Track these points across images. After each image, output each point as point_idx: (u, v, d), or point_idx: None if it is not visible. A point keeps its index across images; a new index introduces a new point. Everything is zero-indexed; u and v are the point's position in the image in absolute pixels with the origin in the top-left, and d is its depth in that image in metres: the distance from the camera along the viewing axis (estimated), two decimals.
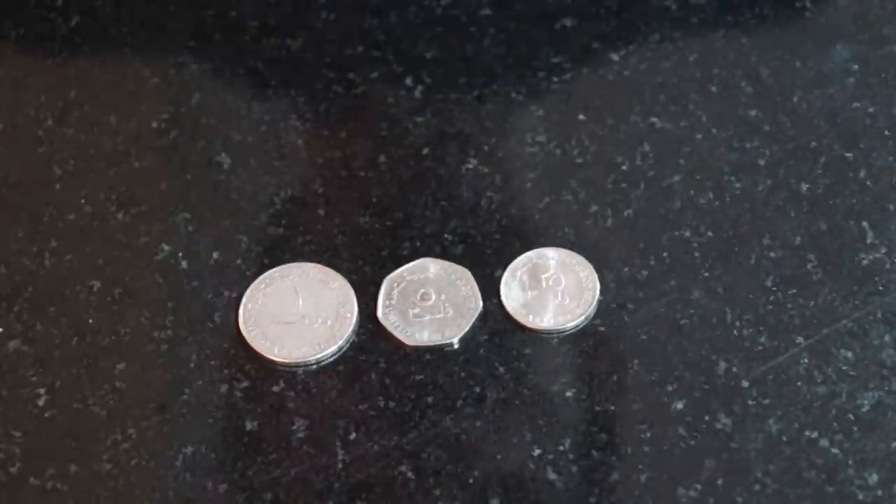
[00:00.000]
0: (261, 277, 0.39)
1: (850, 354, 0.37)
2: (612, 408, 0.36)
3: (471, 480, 0.35)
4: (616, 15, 0.44)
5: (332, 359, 0.37)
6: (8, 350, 0.38)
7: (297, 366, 0.37)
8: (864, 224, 0.39)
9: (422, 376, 0.37)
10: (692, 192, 0.40)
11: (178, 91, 0.43)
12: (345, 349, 0.38)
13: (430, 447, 0.36)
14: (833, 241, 0.39)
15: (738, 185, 0.40)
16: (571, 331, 0.38)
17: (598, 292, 0.38)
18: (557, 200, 0.40)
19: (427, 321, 0.38)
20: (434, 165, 0.41)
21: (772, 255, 0.39)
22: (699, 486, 0.35)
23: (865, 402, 0.36)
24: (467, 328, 0.38)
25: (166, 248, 0.39)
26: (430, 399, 0.37)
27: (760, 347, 0.37)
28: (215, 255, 0.39)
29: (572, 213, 0.40)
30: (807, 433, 0.36)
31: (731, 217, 0.39)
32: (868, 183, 0.40)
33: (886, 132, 0.41)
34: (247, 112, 0.42)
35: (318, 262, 0.39)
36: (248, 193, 0.40)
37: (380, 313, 0.38)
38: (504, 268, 0.39)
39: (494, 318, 0.38)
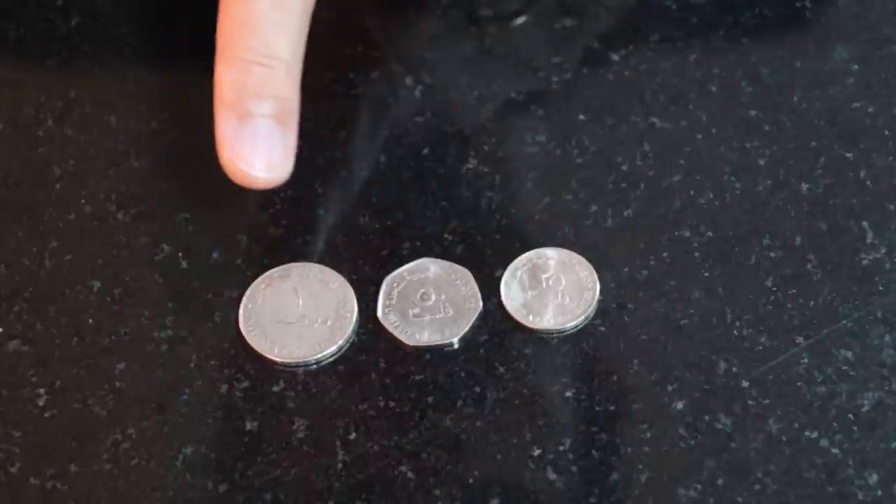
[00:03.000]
0: (261, 277, 0.39)
1: (850, 354, 0.37)
2: (612, 408, 0.36)
3: (471, 480, 0.35)
4: (616, 15, 0.44)
5: (332, 359, 0.37)
6: (8, 350, 0.38)
7: (297, 366, 0.37)
8: (864, 224, 0.39)
9: (422, 376, 0.37)
10: (692, 192, 0.40)
11: (178, 91, 0.43)
12: (345, 349, 0.38)
13: (430, 447, 0.36)
14: (833, 241, 0.39)
15: (738, 185, 0.40)
16: (571, 331, 0.38)
17: (598, 292, 0.38)
18: (557, 200, 0.40)
19: (427, 321, 0.38)
20: (434, 165, 0.41)
21: (772, 255, 0.39)
22: (699, 486, 0.35)
23: (865, 402, 0.36)
24: (467, 328, 0.38)
25: (166, 248, 0.39)
26: (430, 399, 0.37)
27: (760, 347, 0.37)
28: (215, 255, 0.39)
29: (572, 213, 0.40)
30: (807, 433, 0.36)
31: (731, 217, 0.39)
32: (868, 183, 0.40)
33: (886, 132, 0.41)
34: None
35: (318, 262, 0.39)
36: (248, 193, 0.40)
37: (380, 313, 0.38)
38: (504, 268, 0.39)
39: (494, 318, 0.38)
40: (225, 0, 0.38)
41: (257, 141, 0.37)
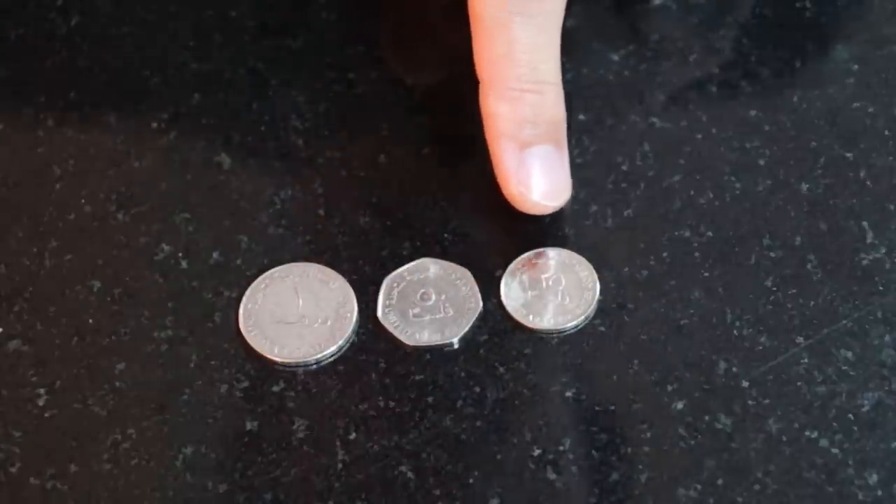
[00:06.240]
0: (261, 277, 0.39)
1: (850, 354, 0.37)
2: (612, 408, 0.36)
3: (471, 480, 0.35)
4: (616, 15, 0.44)
5: (332, 359, 0.37)
6: (8, 350, 0.38)
7: (297, 366, 0.37)
8: (864, 224, 0.39)
9: (422, 376, 0.37)
10: (692, 192, 0.40)
11: (178, 91, 0.43)
12: (345, 349, 0.38)
13: (430, 447, 0.36)
14: (833, 241, 0.39)
15: (738, 185, 0.40)
16: (571, 331, 0.38)
17: (598, 292, 0.38)
18: None
19: (427, 321, 0.38)
20: (434, 165, 0.41)
21: (772, 255, 0.39)
22: (699, 486, 0.35)
23: (865, 402, 0.36)
24: (467, 328, 0.38)
25: (166, 248, 0.39)
26: (430, 399, 0.37)
27: (760, 347, 0.37)
28: (215, 255, 0.39)
29: (572, 213, 0.40)
30: (807, 433, 0.36)
31: (731, 217, 0.39)
32: (868, 183, 0.40)
33: (886, 132, 0.41)
34: (247, 112, 0.42)
35: (318, 262, 0.39)
36: (248, 193, 0.40)
37: (380, 313, 0.38)
38: (504, 268, 0.39)
39: (494, 318, 0.38)
40: (482, 33, 0.38)
41: (540, 168, 0.38)
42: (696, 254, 0.39)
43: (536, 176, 0.38)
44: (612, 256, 0.39)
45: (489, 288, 0.38)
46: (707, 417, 0.36)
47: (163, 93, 0.43)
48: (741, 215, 0.39)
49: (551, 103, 0.38)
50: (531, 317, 0.38)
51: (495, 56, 0.38)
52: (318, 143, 0.41)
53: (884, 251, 0.39)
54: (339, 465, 0.36)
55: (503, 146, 0.38)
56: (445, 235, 0.39)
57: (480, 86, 0.38)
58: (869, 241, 0.39)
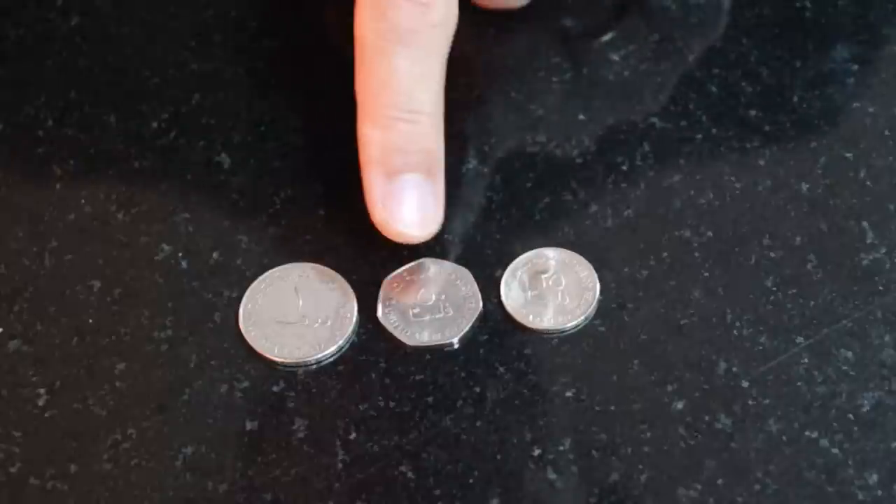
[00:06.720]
0: (261, 277, 0.39)
1: (850, 354, 0.37)
2: (612, 408, 0.36)
3: (471, 480, 0.35)
4: (616, 15, 0.44)
5: (332, 359, 0.37)
6: (8, 350, 0.38)
7: (297, 366, 0.37)
8: (864, 224, 0.39)
9: (422, 376, 0.37)
10: (692, 192, 0.40)
11: (178, 91, 0.43)
12: (345, 349, 0.38)
13: (430, 447, 0.36)
14: (833, 241, 0.39)
15: (738, 185, 0.40)
16: (571, 331, 0.38)
17: (598, 292, 0.38)
18: (557, 200, 0.40)
19: (427, 321, 0.38)
20: None
21: (772, 255, 0.39)
22: (699, 486, 0.35)
23: (865, 402, 0.36)
24: (467, 328, 0.38)
25: (166, 248, 0.39)
26: (430, 399, 0.37)
27: (760, 347, 0.37)
28: (215, 255, 0.39)
29: (572, 213, 0.40)
30: (807, 433, 0.36)
31: (731, 217, 0.39)
32: (868, 183, 0.40)
33: (886, 132, 0.41)
34: (247, 112, 0.42)
35: (318, 262, 0.39)
36: (248, 193, 0.40)
37: (380, 313, 0.38)
38: (504, 268, 0.39)
39: (494, 318, 0.38)
40: (362, 58, 0.38)
41: (408, 197, 0.37)
42: (696, 254, 0.39)
43: (403, 204, 0.37)
44: (612, 256, 0.39)
45: (489, 288, 0.38)
46: (707, 417, 0.36)
47: (163, 93, 0.43)
48: (741, 215, 0.39)
49: (424, 133, 0.38)
50: (531, 317, 0.38)
51: (374, 82, 0.37)
52: (317, 142, 0.41)
53: (884, 251, 0.39)
54: (339, 465, 0.36)
55: (372, 173, 0.38)
56: (445, 235, 0.39)
57: (357, 110, 0.38)
58: (869, 241, 0.39)
